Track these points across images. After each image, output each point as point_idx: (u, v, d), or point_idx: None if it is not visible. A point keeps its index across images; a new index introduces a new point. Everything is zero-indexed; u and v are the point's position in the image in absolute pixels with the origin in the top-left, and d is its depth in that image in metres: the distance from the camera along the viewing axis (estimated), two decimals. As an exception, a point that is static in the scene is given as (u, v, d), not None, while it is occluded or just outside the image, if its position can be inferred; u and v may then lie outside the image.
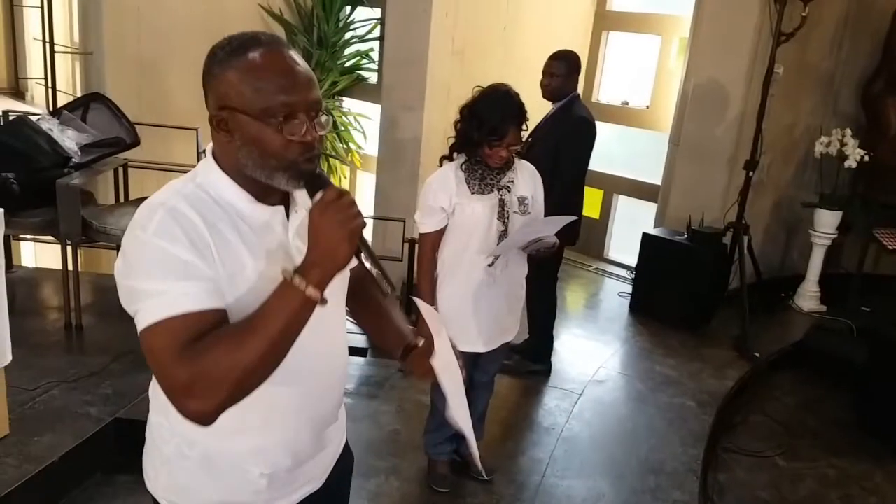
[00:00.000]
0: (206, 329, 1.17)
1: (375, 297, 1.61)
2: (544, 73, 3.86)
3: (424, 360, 1.51)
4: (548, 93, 3.87)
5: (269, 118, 1.21)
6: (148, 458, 1.47)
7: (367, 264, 1.35)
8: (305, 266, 1.19)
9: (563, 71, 3.83)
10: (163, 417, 1.39)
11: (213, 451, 1.37)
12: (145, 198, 3.80)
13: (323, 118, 1.26)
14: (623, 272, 5.91)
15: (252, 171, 1.26)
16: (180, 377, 1.15)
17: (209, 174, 1.30)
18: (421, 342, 1.54)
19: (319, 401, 1.44)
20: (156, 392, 1.38)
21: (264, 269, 1.27)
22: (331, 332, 1.43)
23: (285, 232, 1.33)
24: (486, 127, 2.66)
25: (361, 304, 1.62)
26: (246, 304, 1.22)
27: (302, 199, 1.35)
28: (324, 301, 1.20)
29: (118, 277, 1.25)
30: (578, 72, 3.93)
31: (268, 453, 1.39)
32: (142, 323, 1.19)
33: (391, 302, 1.65)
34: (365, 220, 1.23)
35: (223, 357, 1.15)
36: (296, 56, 1.27)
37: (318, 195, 1.22)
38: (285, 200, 1.35)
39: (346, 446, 1.65)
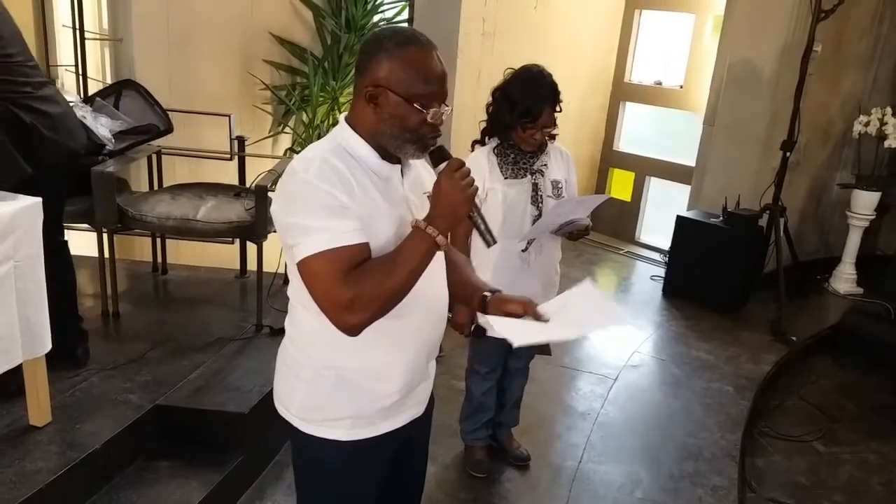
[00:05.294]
0: (359, 260, 1.48)
1: (453, 256, 1.85)
2: None
3: (506, 305, 1.70)
4: None
5: (415, 102, 1.51)
6: (283, 384, 1.74)
7: (478, 221, 1.61)
8: (433, 218, 1.50)
9: None
10: (302, 346, 1.68)
11: (347, 371, 1.63)
12: (179, 185, 3.77)
13: (447, 109, 1.57)
14: (655, 255, 5.85)
15: (387, 139, 1.56)
16: (344, 296, 1.45)
17: (346, 136, 1.59)
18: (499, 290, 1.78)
19: (431, 330, 1.72)
20: (293, 326, 1.70)
21: (392, 212, 1.57)
22: (438, 275, 1.71)
23: (401, 186, 1.63)
24: (519, 109, 2.62)
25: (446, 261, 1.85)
26: (380, 239, 1.53)
27: (413, 161, 1.67)
28: (445, 246, 1.52)
29: (278, 217, 1.53)
30: None
31: (393, 373, 1.66)
32: (305, 252, 1.47)
33: (465, 260, 1.92)
34: (477, 186, 1.54)
35: (377, 282, 1.46)
36: (439, 55, 1.57)
37: (443, 165, 1.54)
38: (398, 162, 1.64)
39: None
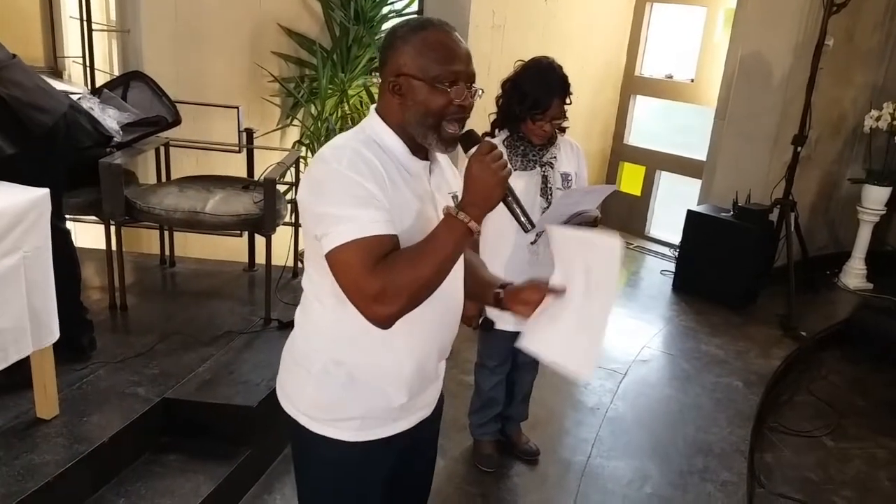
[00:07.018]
0: (388, 250, 1.43)
1: (468, 255, 1.79)
2: None
3: (521, 294, 1.67)
4: None
5: (437, 84, 1.48)
6: (290, 379, 1.70)
7: (513, 205, 1.53)
8: (465, 205, 1.45)
9: None
10: (312, 339, 1.64)
11: (356, 369, 1.60)
12: (188, 178, 3.78)
13: (477, 90, 1.54)
14: (665, 250, 5.82)
15: (414, 128, 1.53)
16: (373, 286, 1.40)
17: (376, 127, 1.56)
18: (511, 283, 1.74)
19: (444, 332, 1.68)
20: (304, 319, 1.66)
21: (419, 207, 1.54)
22: (456, 278, 1.67)
23: (428, 184, 1.60)
24: (529, 100, 2.61)
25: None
26: (407, 233, 1.48)
27: (443, 160, 1.66)
28: (478, 233, 1.45)
29: (306, 206, 1.50)
30: None
31: (403, 374, 1.62)
32: (335, 242, 1.42)
33: (480, 261, 1.88)
34: (511, 169, 1.48)
35: (406, 272, 1.41)
36: (459, 37, 1.54)
37: (474, 149, 1.48)
38: (426, 158, 1.61)
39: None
